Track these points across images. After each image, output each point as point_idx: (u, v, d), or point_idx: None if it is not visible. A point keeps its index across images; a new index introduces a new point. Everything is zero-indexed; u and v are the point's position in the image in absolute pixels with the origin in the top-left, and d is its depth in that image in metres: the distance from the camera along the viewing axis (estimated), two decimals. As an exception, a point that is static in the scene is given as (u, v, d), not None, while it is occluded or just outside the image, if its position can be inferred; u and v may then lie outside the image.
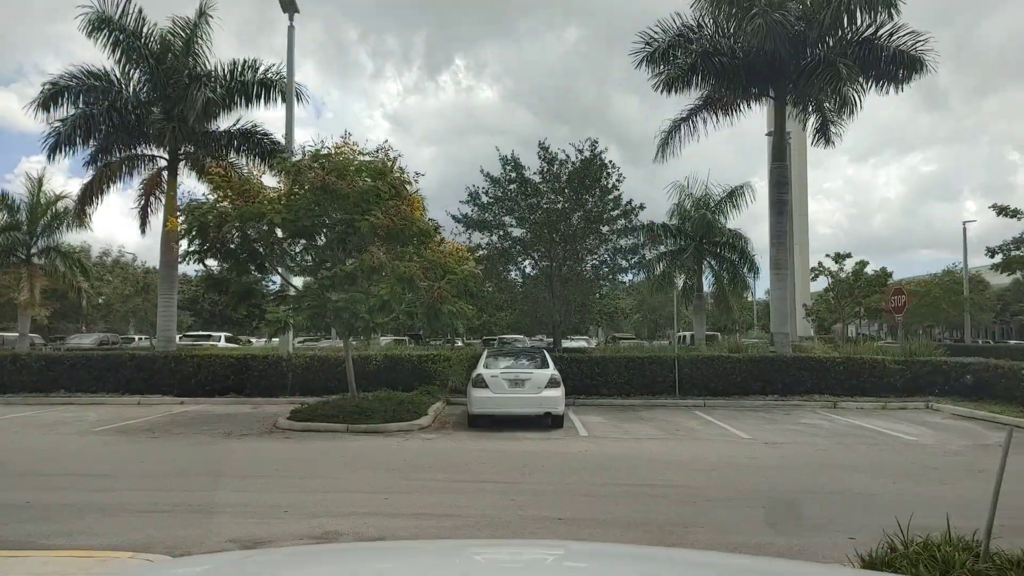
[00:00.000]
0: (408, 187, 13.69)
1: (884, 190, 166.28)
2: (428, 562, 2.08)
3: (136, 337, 39.69)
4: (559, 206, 18.99)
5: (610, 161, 19.14)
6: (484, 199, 19.35)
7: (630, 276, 22.15)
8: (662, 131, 22.05)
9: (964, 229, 47.56)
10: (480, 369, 13.58)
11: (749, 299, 53.23)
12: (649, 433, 13.16)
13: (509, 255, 19.31)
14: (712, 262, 30.76)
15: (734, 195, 29.76)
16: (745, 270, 29.98)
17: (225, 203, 12.66)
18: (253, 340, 37.78)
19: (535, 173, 19.45)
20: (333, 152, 13.05)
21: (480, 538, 6.12)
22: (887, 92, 19.91)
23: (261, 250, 13.42)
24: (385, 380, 17.70)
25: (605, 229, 19.68)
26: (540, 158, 19.37)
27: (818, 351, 20.28)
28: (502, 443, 11.72)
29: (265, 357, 17.83)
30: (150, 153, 19.17)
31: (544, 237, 19.26)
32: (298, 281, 14.71)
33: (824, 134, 21.20)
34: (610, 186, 19.30)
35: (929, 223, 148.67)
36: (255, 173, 13.73)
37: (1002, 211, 21.33)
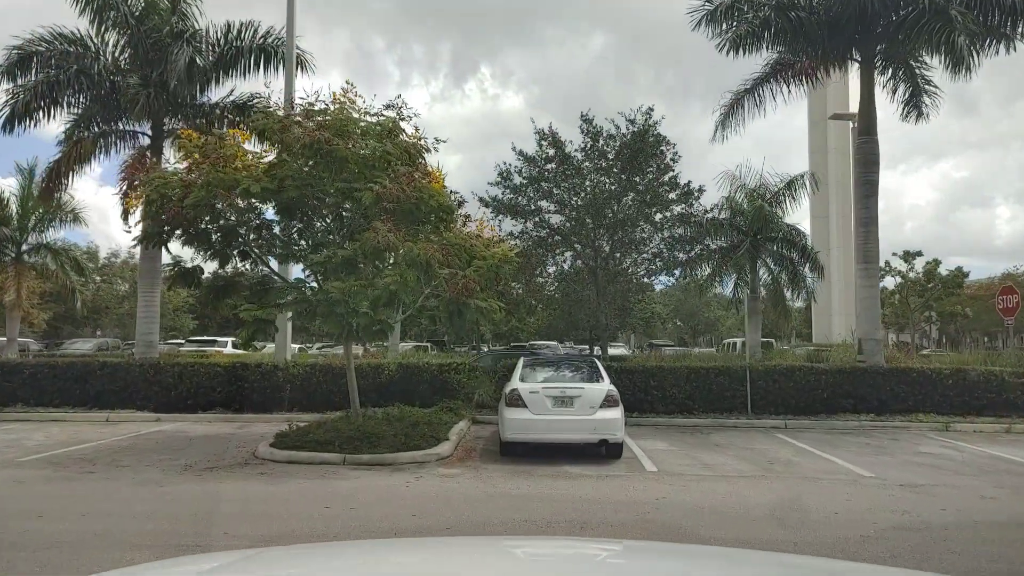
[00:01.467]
0: (426, 153, 10.86)
1: (915, 197, 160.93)
2: (437, 559, 2.08)
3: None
4: (607, 187, 15.98)
5: (665, 137, 16.10)
6: (517, 179, 16.41)
7: (679, 275, 18.98)
8: (722, 105, 18.97)
9: None
10: (515, 383, 10.64)
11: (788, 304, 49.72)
12: (735, 467, 10.12)
13: (546, 245, 16.32)
14: (768, 260, 27.46)
15: (793, 186, 26.45)
16: (807, 269, 26.63)
17: (193, 173, 9.89)
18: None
19: (577, 150, 16.51)
20: (331, 106, 10.25)
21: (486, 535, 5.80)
22: (996, 52, 16.66)
23: (241, 232, 10.65)
24: (399, 394, 14.87)
25: (659, 217, 16.63)
26: (583, 132, 16.43)
27: (914, 362, 17.00)
28: (547, 484, 8.76)
29: (258, 366, 15.06)
30: (131, 129, 16.56)
31: (587, 225, 16.28)
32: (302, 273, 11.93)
33: (916, 106, 17.96)
34: (665, 164, 16.27)
35: (962, 230, 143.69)
36: (239, 138, 10.87)
37: None
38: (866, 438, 13.23)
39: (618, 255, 16.57)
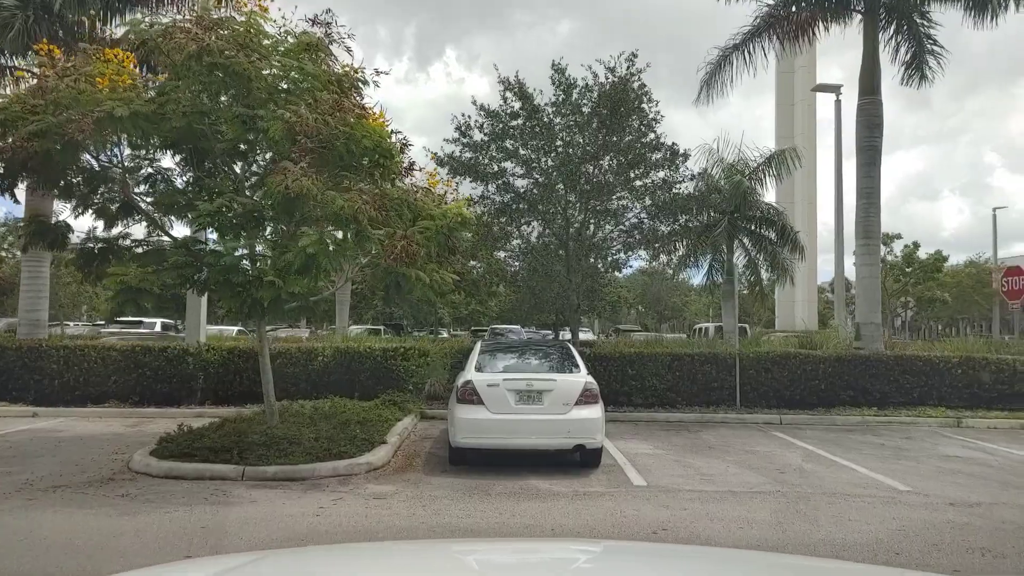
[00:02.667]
0: (362, 86, 8.58)
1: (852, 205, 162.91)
2: (442, 561, 2.08)
3: (71, 323, 33.89)
4: (581, 147, 13.80)
5: (649, 89, 13.95)
6: (478, 135, 14.15)
7: (658, 249, 16.99)
8: (707, 63, 17.04)
9: (994, 216, 42.66)
10: (470, 373, 8.50)
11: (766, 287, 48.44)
12: (741, 479, 8.17)
13: (510, 213, 14.11)
14: (746, 241, 25.74)
15: (774, 162, 24.70)
16: (787, 251, 24.96)
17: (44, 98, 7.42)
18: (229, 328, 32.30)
19: (547, 104, 14.31)
20: (237, 17, 7.88)
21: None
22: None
23: (116, 177, 8.25)
24: (336, 385, 12.63)
25: (639, 184, 14.54)
26: (554, 84, 14.22)
27: (916, 349, 15.34)
28: (508, 508, 6.66)
29: (163, 351, 12.60)
30: (9, 65, 13.83)
31: (558, 191, 14.13)
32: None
33: (919, 68, 16.24)
34: (648, 121, 14.17)
35: (911, 222, 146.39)
36: (124, 62, 8.35)
37: None
38: (875, 437, 11.46)
39: (592, 225, 14.46)
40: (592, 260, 15.22)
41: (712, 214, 25.58)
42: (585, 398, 8.24)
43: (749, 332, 27.18)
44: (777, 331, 39.80)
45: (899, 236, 29.49)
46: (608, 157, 13.76)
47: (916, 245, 28.94)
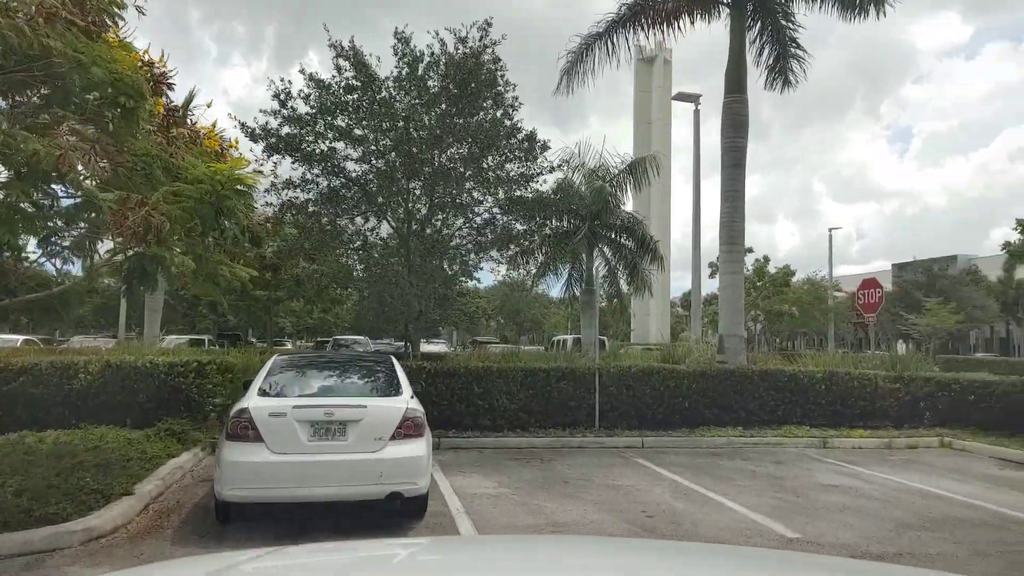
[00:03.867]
0: (117, 9, 6.13)
1: (712, 210, 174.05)
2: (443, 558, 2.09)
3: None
4: (427, 127, 11.81)
5: (504, 64, 12.21)
6: (303, 107, 11.80)
7: (512, 251, 15.35)
8: (569, 51, 15.61)
9: (830, 236, 45.15)
10: (250, 398, 6.26)
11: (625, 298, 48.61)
12: (602, 527, 6.49)
13: (339, 201, 11.86)
14: (606, 250, 24.87)
15: (635, 169, 24.01)
16: (647, 261, 24.27)
17: None
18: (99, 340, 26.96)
19: (390, 79, 12.24)
20: None
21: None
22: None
23: None
24: (106, 409, 9.80)
25: (492, 175, 12.78)
26: (396, 55, 12.17)
27: (782, 363, 14.59)
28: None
29: None
30: None
31: (399, 178, 12.07)
32: None
33: (783, 72, 15.71)
34: (505, 106, 12.44)
35: (751, 241, 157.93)
36: None
37: None
38: (745, 462, 10.27)
39: (438, 220, 12.51)
40: (438, 261, 13.28)
41: (572, 221, 24.60)
42: (406, 430, 6.22)
43: (607, 345, 26.27)
44: (635, 344, 39.69)
45: (751, 250, 29.85)
46: (456, 141, 11.85)
47: (766, 259, 29.52)
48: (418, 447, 6.25)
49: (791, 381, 12.87)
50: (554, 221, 23.78)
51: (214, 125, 7.07)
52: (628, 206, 25.99)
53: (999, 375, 13.44)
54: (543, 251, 24.37)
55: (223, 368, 11.02)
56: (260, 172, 9.52)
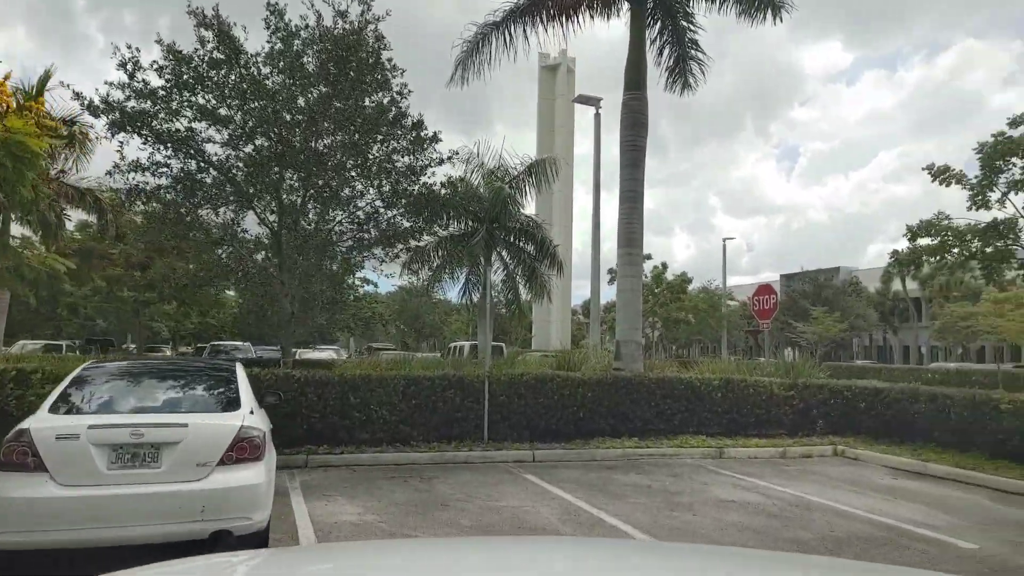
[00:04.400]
0: None
1: (611, 222, 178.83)
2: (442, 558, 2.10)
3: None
4: (296, 112, 10.59)
5: (387, 42, 11.13)
6: (157, 80, 10.30)
7: (400, 251, 14.32)
8: (464, 40, 14.78)
9: (724, 246, 46.43)
10: (34, 419, 4.99)
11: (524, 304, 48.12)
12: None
13: (196, 188, 10.45)
14: (504, 253, 24.14)
15: (535, 171, 23.43)
16: (546, 266, 23.69)
17: None
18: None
19: (260, 55, 10.95)
20: None
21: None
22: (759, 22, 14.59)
23: None
24: None
25: (373, 164, 11.68)
26: (268, 27, 10.91)
27: (678, 370, 14.20)
28: None
29: None
30: None
31: (268, 166, 10.78)
32: None
33: (682, 74, 15.46)
34: (393, 95, 11.39)
35: (651, 252, 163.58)
36: None
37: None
38: (640, 475, 9.64)
39: (314, 212, 11.29)
40: (316, 259, 12.03)
41: (470, 223, 23.77)
42: (239, 452, 5.11)
43: (505, 351, 25.53)
44: (534, 351, 39.21)
45: (649, 256, 29.99)
46: (334, 126, 10.67)
47: (664, 266, 29.70)
48: (254, 473, 5.14)
49: (688, 389, 12.43)
50: (452, 223, 22.97)
51: (40, 102, 5.69)
52: (530, 210, 25.40)
53: (888, 382, 13.50)
54: (439, 254, 23.45)
55: (54, 378, 9.42)
56: (60, 136, 8.06)
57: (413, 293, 38.03)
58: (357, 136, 10.60)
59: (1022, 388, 27.20)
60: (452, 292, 31.88)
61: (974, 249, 13.42)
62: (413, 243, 13.94)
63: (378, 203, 11.64)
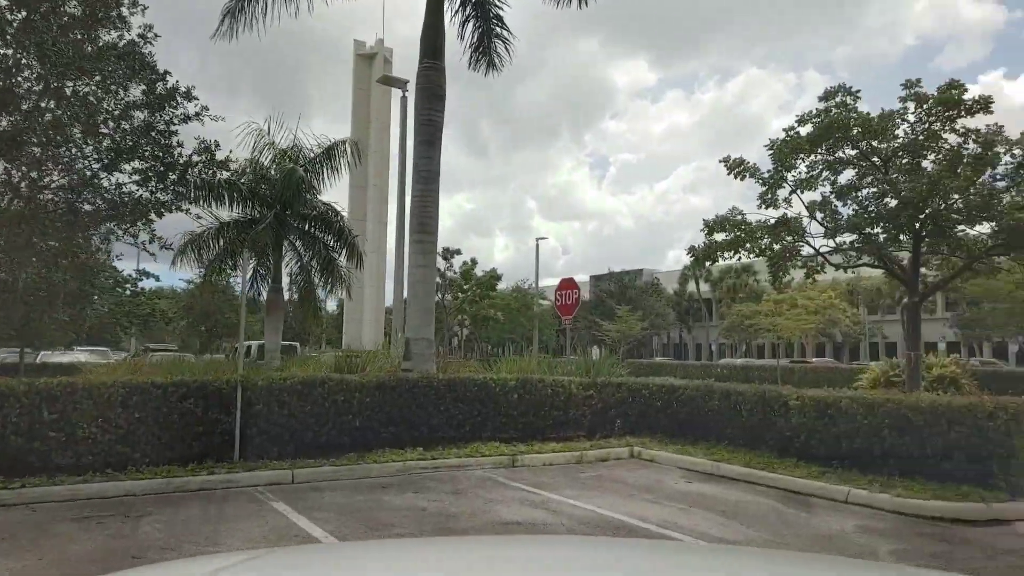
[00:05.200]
0: None
1: (439, 221, 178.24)
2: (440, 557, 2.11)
3: None
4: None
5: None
6: None
7: (142, 230, 11.89)
8: (234, -14, 12.57)
9: (537, 246, 46.67)
10: None
11: (320, 300, 45.10)
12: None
13: None
14: (298, 243, 21.82)
15: (334, 154, 21.37)
16: (343, 258, 21.71)
17: None
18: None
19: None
20: None
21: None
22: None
23: None
24: None
25: (87, 117, 9.25)
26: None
27: (472, 371, 12.99)
28: None
29: None
30: None
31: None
32: None
33: (487, 52, 14.36)
34: (126, 27, 9.03)
35: (468, 253, 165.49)
36: None
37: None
38: (417, 495, 8.22)
39: (31, 178, 8.66)
40: (27, 235, 9.35)
41: (259, 207, 21.27)
42: None
43: (299, 351, 23.18)
44: (340, 351, 36.77)
45: (459, 252, 28.92)
46: (20, 57, 8.13)
47: (474, 262, 28.68)
48: None
49: (482, 391, 11.24)
50: (235, 206, 20.34)
51: None
52: (338, 199, 23.19)
53: (684, 379, 13.19)
54: (219, 243, 20.67)
55: None
56: None
57: (201, 288, 34.07)
58: (59, 71, 8.14)
59: (797, 382, 29.34)
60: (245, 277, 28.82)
61: (763, 247, 13.34)
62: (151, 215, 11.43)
63: (95, 165, 9.25)
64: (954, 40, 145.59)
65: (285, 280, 22.00)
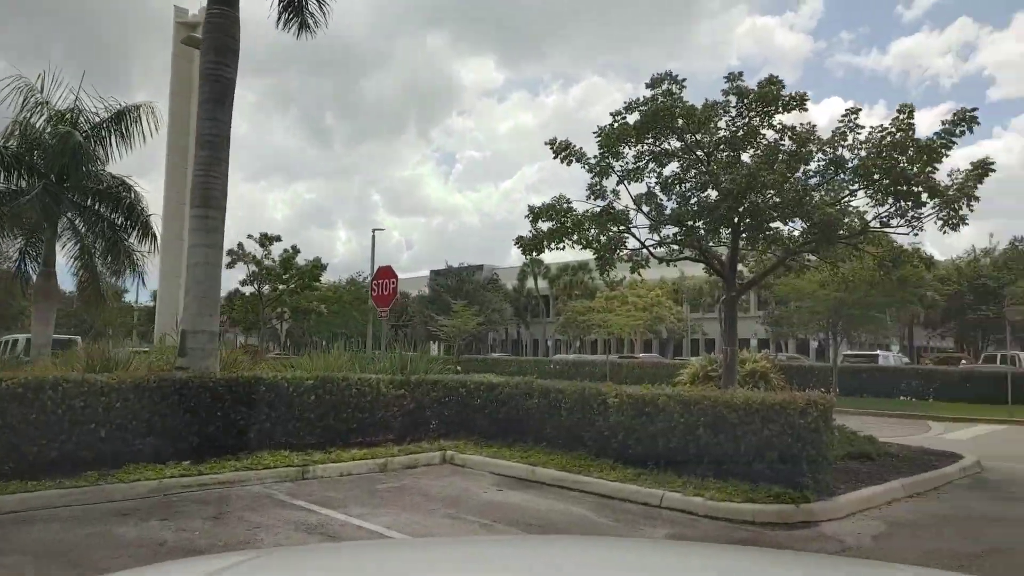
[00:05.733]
0: None
1: (272, 211, 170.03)
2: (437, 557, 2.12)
3: None
4: None
5: None
6: None
7: None
8: None
9: (373, 236, 44.63)
10: None
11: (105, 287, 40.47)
12: None
13: None
14: (78, 221, 18.83)
15: (125, 119, 18.62)
16: (135, 239, 19.01)
17: None
18: None
19: None
20: None
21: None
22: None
23: None
24: None
25: None
26: None
27: (262, 369, 11.35)
28: None
29: None
30: None
31: None
32: None
33: (299, 12, 12.74)
34: None
35: (309, 245, 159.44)
36: None
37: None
38: (163, 522, 6.65)
39: None
40: None
41: (29, 179, 18.17)
42: None
43: (79, 344, 20.05)
44: (145, 346, 33.05)
45: (279, 238, 26.49)
46: None
47: (295, 249, 26.35)
48: None
49: (271, 392, 9.70)
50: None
51: None
52: (150, 182, 20.21)
53: (505, 376, 12.33)
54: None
55: None
56: None
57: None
58: None
59: (625, 377, 29.92)
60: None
61: (590, 238, 12.76)
62: None
63: None
64: (770, 64, 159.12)
65: (66, 263, 18.95)
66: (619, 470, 8.88)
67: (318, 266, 26.78)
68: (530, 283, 65.44)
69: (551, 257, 75.59)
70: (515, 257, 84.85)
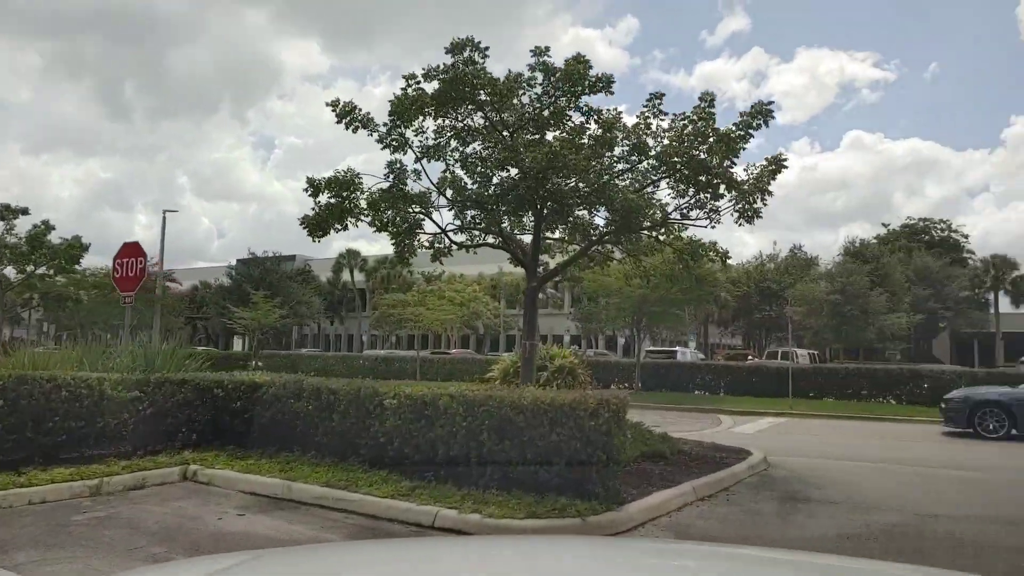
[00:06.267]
0: None
1: (59, 188, 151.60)
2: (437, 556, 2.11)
3: None
4: None
5: None
6: None
7: None
8: None
9: (164, 218, 39.48)
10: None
11: None
12: None
13: None
14: None
15: None
16: None
17: None
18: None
19: None
20: None
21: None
22: None
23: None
24: None
25: None
26: None
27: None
28: None
29: None
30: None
31: None
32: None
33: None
34: None
35: (103, 228, 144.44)
36: None
37: None
38: None
39: None
40: None
41: None
42: None
43: None
44: None
45: (26, 211, 22.24)
46: None
47: (48, 226, 22.16)
48: None
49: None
50: None
51: None
52: None
53: (272, 374, 10.57)
54: None
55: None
56: None
57: None
58: None
59: (435, 373, 28.77)
60: None
61: (385, 220, 11.38)
62: None
63: None
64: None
65: None
66: (393, 483, 7.61)
67: (76, 246, 22.73)
68: (346, 275, 62.56)
69: (368, 249, 72.86)
70: (334, 249, 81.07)
